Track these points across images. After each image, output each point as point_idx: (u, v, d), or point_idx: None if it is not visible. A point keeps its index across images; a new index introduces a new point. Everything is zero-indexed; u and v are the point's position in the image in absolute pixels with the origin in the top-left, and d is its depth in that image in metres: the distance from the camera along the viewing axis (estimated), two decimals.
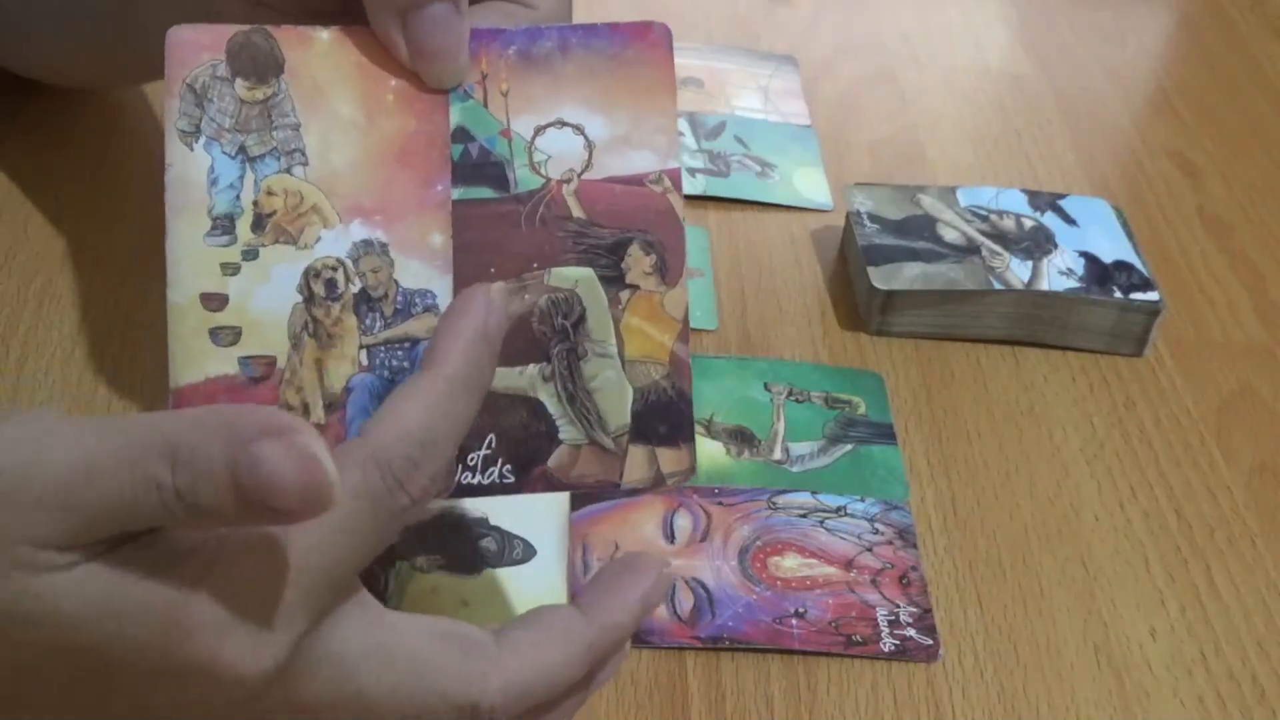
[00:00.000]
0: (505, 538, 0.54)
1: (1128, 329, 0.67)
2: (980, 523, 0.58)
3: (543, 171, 0.42)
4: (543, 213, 0.42)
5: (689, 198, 0.74)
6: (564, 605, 0.41)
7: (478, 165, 0.42)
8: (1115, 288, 0.67)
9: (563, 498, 0.56)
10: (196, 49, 0.41)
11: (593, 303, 0.42)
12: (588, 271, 0.42)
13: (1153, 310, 0.66)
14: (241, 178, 0.40)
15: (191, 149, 0.40)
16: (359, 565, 0.37)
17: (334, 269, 0.40)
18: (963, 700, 0.51)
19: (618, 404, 0.43)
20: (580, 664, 0.40)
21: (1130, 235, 0.71)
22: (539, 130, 0.42)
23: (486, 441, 0.42)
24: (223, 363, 0.39)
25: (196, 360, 0.39)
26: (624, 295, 0.42)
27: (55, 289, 0.63)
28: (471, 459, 0.42)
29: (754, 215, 0.74)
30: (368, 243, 0.41)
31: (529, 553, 0.54)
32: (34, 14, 0.63)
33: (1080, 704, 0.52)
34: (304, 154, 0.40)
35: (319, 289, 0.41)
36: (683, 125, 0.79)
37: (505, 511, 0.55)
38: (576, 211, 0.42)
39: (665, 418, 0.43)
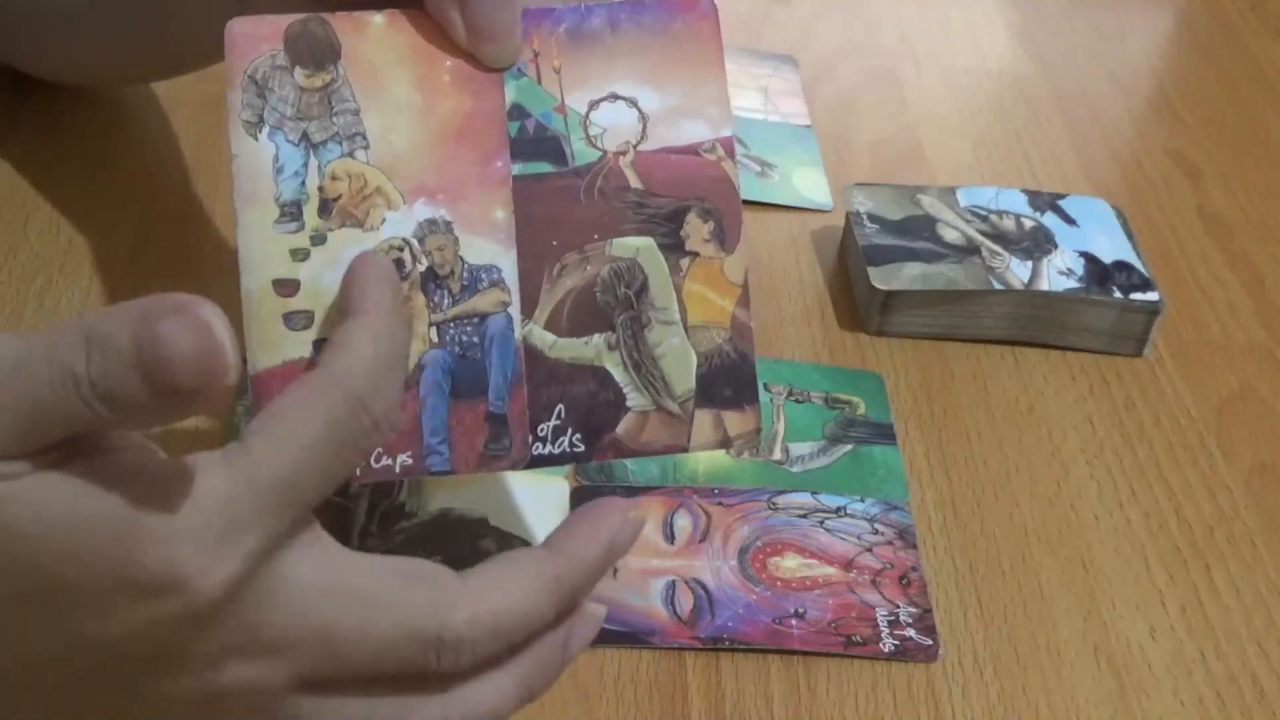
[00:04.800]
0: (505, 538, 0.54)
1: (1127, 329, 0.67)
2: (980, 523, 0.58)
3: (599, 145, 0.43)
4: (601, 185, 0.43)
5: None
6: (530, 546, 0.40)
7: (535, 141, 0.43)
8: (1115, 288, 0.67)
9: (562, 498, 0.56)
10: (256, 40, 0.41)
11: (654, 271, 0.43)
12: (648, 240, 0.43)
13: (1153, 310, 0.66)
14: (306, 164, 0.41)
15: (256, 139, 0.41)
16: (319, 491, 0.36)
17: (400, 249, 0.41)
18: (963, 701, 0.51)
19: (683, 369, 0.44)
20: (548, 598, 0.39)
21: (1130, 235, 0.71)
22: (593, 105, 0.43)
23: (556, 412, 0.43)
24: (298, 347, 0.40)
25: (273, 345, 0.40)
26: (684, 262, 0.43)
27: (55, 289, 0.63)
28: (542, 430, 0.43)
29: (754, 215, 0.74)
30: (432, 222, 0.42)
31: None
32: (58, 13, 0.63)
33: (1080, 704, 0.52)
34: (365, 137, 0.41)
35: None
36: None
37: (504, 512, 0.55)
38: (634, 182, 0.43)
39: (729, 381, 0.44)
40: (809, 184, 0.77)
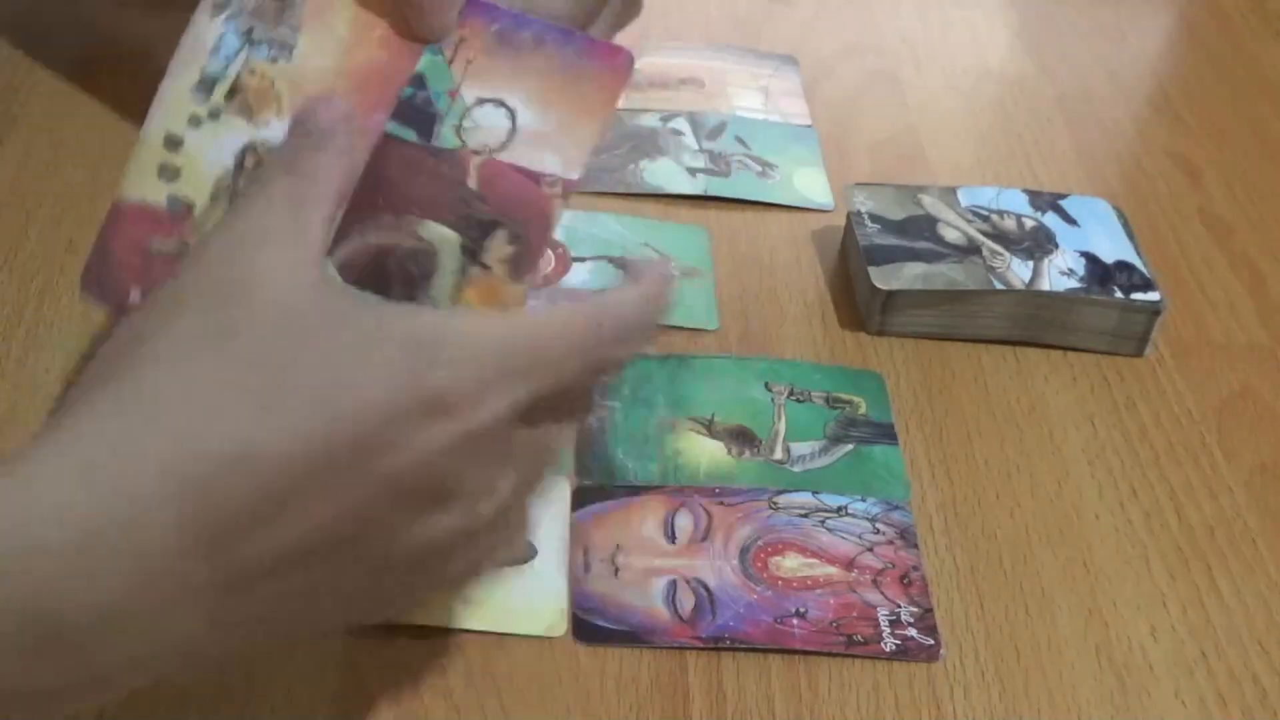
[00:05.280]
0: None
1: (1128, 329, 0.67)
2: (981, 523, 0.58)
3: (463, 137, 0.45)
4: (445, 171, 0.44)
5: (689, 198, 0.74)
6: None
7: (415, 110, 0.45)
8: (1116, 288, 0.67)
9: (562, 498, 0.56)
10: None
11: (446, 265, 0.44)
12: (455, 237, 0.44)
13: (1154, 310, 0.66)
14: (238, 53, 0.45)
15: (213, 20, 0.45)
16: (563, 383, 0.40)
17: (267, 152, 0.44)
18: (964, 700, 0.51)
19: None
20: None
21: (1131, 235, 0.71)
22: (480, 101, 0.45)
23: None
24: (158, 193, 0.44)
25: (140, 184, 0.44)
26: (474, 271, 0.44)
27: (55, 289, 0.63)
28: None
29: (755, 215, 0.74)
30: None
31: (529, 552, 0.54)
32: None
33: (1081, 704, 0.52)
34: (291, 51, 0.45)
35: (249, 164, 0.44)
36: (683, 125, 0.79)
37: None
38: (473, 183, 0.44)
39: None
40: (810, 184, 0.77)
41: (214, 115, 0.44)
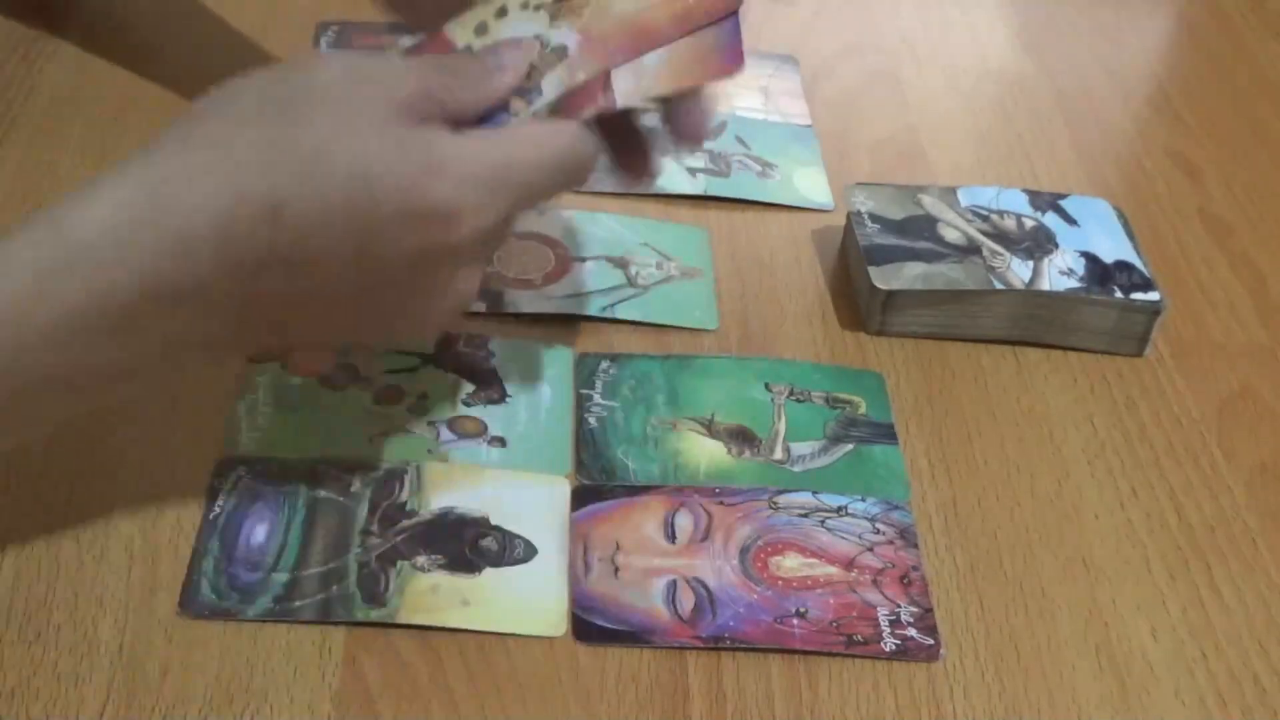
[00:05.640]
0: (506, 537, 0.54)
1: (1128, 329, 0.67)
2: (981, 522, 0.58)
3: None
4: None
5: (689, 198, 0.74)
6: None
7: None
8: (1116, 288, 0.67)
9: (562, 498, 0.56)
10: None
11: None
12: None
13: (1153, 310, 0.66)
14: None
15: None
16: (541, 199, 0.50)
17: (537, 49, 0.52)
18: (964, 700, 0.51)
19: None
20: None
21: (1131, 235, 0.71)
22: None
23: None
24: (464, 39, 0.52)
25: (460, 29, 0.52)
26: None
27: None
28: None
29: (754, 215, 0.74)
30: (563, 47, 0.51)
31: (529, 552, 0.54)
32: None
33: (1081, 704, 0.52)
34: None
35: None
36: None
37: (506, 511, 0.55)
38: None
39: None
40: (810, 184, 0.77)
41: (537, 7, 0.52)
